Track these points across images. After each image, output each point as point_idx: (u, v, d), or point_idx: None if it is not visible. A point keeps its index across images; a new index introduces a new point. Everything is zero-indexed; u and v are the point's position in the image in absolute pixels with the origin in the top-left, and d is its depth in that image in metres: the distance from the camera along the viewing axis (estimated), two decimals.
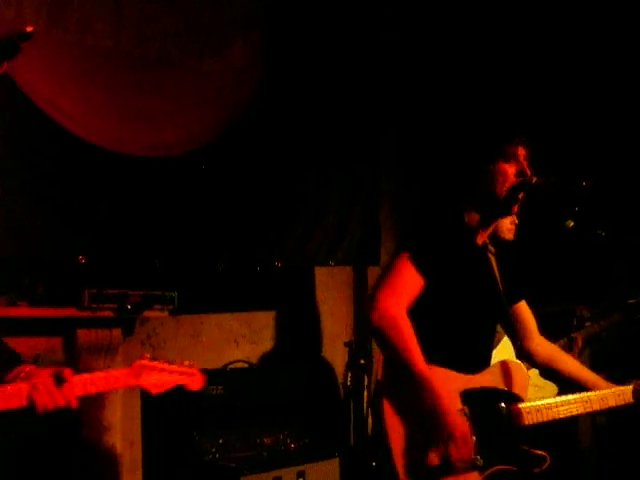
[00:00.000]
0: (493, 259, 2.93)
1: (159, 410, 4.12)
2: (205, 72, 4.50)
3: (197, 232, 4.44)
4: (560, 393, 3.51)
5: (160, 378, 2.56)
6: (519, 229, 3.69)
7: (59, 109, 3.98)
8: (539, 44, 5.30)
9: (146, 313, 4.15)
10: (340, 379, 5.12)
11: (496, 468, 2.58)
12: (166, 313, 4.21)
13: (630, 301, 4.45)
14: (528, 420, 2.68)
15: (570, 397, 2.84)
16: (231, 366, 4.61)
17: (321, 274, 5.18)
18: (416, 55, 5.57)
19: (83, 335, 4.00)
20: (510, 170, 2.78)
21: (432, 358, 2.58)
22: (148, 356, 2.58)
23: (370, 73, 5.36)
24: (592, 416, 4.93)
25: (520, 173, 2.77)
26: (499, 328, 4.06)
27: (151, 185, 4.28)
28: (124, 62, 4.24)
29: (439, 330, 2.70)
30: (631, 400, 2.88)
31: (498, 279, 2.89)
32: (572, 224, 3.10)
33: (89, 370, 2.65)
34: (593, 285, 4.58)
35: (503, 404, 2.67)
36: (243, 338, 4.87)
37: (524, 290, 3.06)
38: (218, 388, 4.23)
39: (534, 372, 4.21)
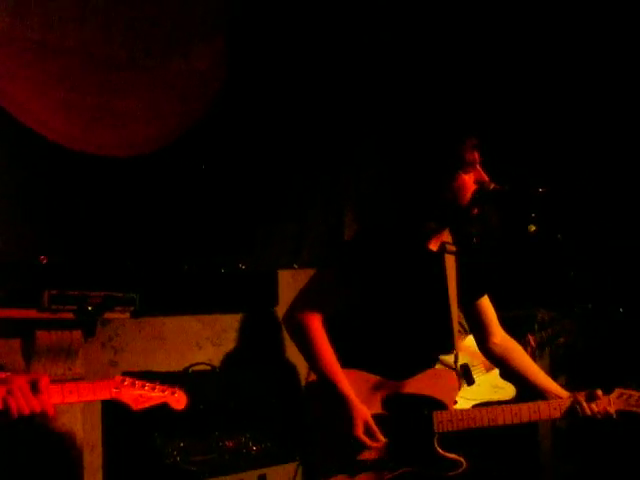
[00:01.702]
0: (453, 259, 2.92)
1: (120, 413, 4.08)
2: (170, 73, 4.50)
3: (160, 233, 4.43)
4: (518, 395, 3.56)
5: (143, 394, 2.61)
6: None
7: (19, 106, 3.94)
8: (492, 53, 5.38)
9: (107, 315, 4.10)
10: (304, 381, 5.10)
11: (407, 469, 2.73)
12: (127, 315, 4.17)
13: (577, 309, 4.53)
14: (438, 428, 2.76)
15: (498, 406, 2.88)
16: (193, 368, 4.58)
17: (285, 276, 5.17)
18: (385, 60, 5.61)
19: (42, 337, 3.94)
20: (469, 180, 2.80)
21: (359, 364, 2.79)
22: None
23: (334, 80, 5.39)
24: (552, 420, 4.99)
25: (478, 180, 2.80)
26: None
27: (114, 185, 4.26)
28: (89, 63, 4.22)
29: (367, 338, 2.84)
30: (558, 415, 2.87)
31: (454, 281, 2.90)
32: (534, 229, 3.13)
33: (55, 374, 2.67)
34: (553, 289, 4.62)
35: (420, 411, 2.76)
36: (206, 340, 4.84)
37: (484, 286, 3.07)
38: None
39: (495, 373, 4.26)
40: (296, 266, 5.19)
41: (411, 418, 2.76)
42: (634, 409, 2.92)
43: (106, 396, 2.57)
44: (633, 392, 2.95)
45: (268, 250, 5.08)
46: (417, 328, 2.86)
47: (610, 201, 5.04)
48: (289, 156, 5.15)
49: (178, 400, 2.70)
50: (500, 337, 3.10)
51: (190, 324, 4.79)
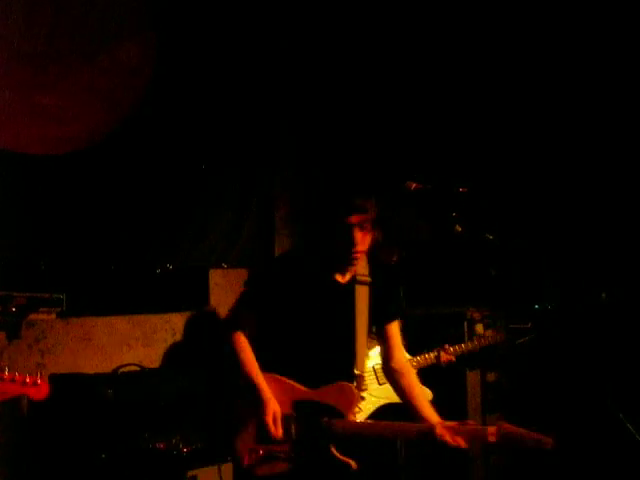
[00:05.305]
0: (365, 289, 3.31)
1: (45, 417, 4.00)
2: (96, 69, 4.43)
3: (87, 232, 4.36)
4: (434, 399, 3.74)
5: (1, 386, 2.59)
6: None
7: None
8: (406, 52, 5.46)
9: (32, 316, 4.03)
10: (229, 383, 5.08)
11: (305, 464, 3.18)
12: (54, 316, 4.10)
13: (512, 325, 4.63)
14: (333, 434, 3.16)
15: (382, 422, 3.34)
16: (123, 370, 4.51)
17: (216, 276, 5.15)
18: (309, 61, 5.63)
19: None
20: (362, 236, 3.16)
21: (278, 370, 3.29)
22: None
23: (267, 79, 5.39)
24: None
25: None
26: None
27: (38, 183, 4.18)
28: (11, 57, 4.13)
29: (283, 350, 3.33)
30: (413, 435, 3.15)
31: (365, 309, 3.30)
32: (460, 229, 3.17)
33: None
34: (483, 289, 4.68)
35: (323, 417, 3.19)
36: (136, 341, 4.77)
37: (392, 314, 3.44)
38: (108, 393, 4.13)
39: None
40: (225, 265, 5.19)
41: (314, 421, 3.20)
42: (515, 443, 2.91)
43: None
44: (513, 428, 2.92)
45: (196, 249, 5.05)
46: (321, 348, 3.27)
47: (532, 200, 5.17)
48: (220, 155, 5.13)
49: (39, 390, 2.70)
50: (397, 361, 3.44)
51: (119, 325, 4.72)
